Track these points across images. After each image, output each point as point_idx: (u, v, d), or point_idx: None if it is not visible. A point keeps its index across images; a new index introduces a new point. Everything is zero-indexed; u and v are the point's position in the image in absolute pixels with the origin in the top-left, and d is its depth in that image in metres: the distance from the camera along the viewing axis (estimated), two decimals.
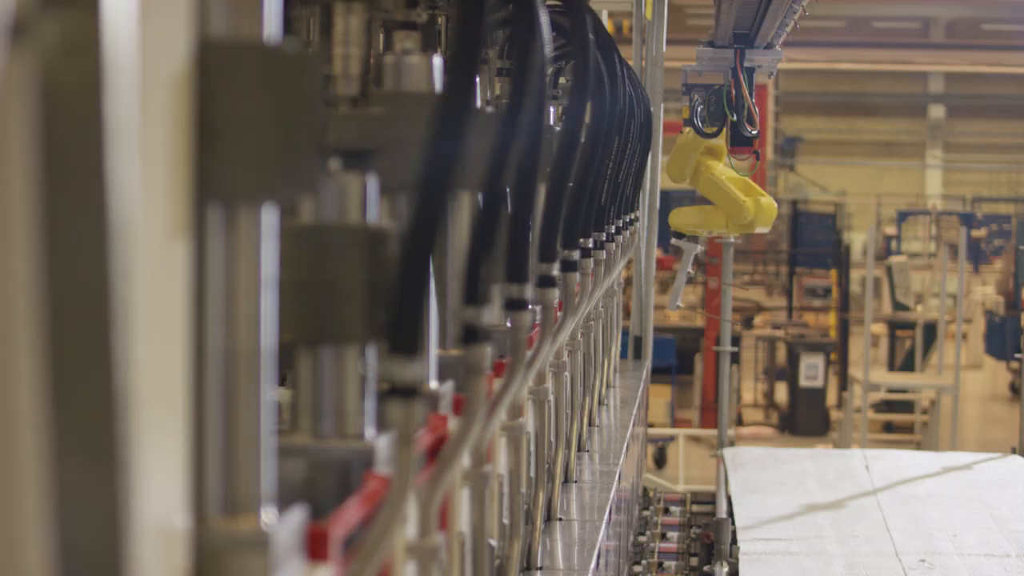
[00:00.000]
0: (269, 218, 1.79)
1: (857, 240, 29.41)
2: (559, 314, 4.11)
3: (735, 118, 9.37)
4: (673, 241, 9.90)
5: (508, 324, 3.06)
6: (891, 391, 18.53)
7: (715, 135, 9.44)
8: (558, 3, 3.85)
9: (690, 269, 10.11)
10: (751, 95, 9.42)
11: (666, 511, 10.23)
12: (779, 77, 28.08)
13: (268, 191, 1.72)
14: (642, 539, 9.18)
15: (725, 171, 9.56)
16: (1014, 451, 11.75)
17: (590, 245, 4.76)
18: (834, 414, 19.38)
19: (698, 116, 9.41)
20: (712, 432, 13.69)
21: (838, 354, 19.99)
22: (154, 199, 1.50)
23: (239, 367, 1.76)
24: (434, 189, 2.06)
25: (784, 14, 8.59)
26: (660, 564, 8.84)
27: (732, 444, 11.02)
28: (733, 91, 9.37)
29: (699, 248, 9.91)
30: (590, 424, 6.43)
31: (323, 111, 1.73)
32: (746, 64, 9.43)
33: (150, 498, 1.45)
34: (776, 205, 9.72)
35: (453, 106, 2.10)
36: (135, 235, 1.38)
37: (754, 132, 9.39)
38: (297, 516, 1.83)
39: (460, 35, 2.13)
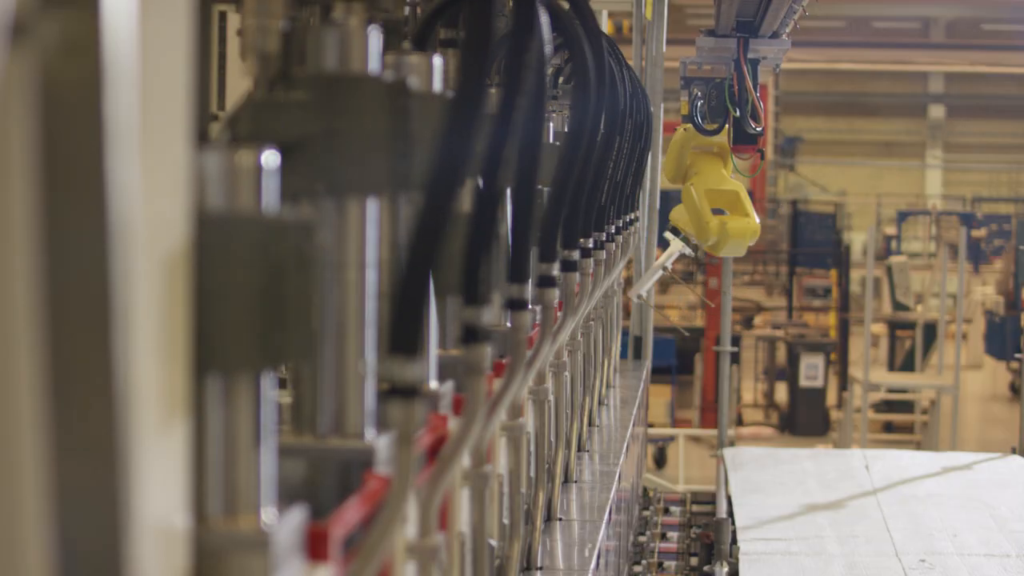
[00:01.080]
0: None
1: (857, 240, 29.40)
2: (559, 314, 4.11)
3: (738, 114, 8.74)
4: (666, 234, 9.41)
5: (508, 324, 3.06)
6: (891, 391, 18.53)
7: (716, 132, 8.84)
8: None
9: (669, 265, 9.57)
10: (755, 89, 8.81)
11: (666, 511, 10.22)
12: (779, 77, 28.10)
13: (262, 361, 1.74)
14: (642, 539, 9.17)
15: (718, 179, 9.07)
16: (1014, 451, 11.74)
17: (590, 245, 4.76)
18: (834, 414, 19.38)
19: (698, 112, 8.78)
20: (712, 432, 13.68)
21: (838, 354, 19.99)
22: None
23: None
24: (440, 191, 2.06)
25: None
26: (660, 564, 8.83)
27: (732, 444, 11.01)
28: (735, 85, 8.75)
29: (687, 251, 9.43)
30: (590, 424, 6.43)
31: (318, 279, 1.75)
32: (750, 55, 8.78)
33: (150, 498, 1.45)
34: (756, 227, 8.93)
35: (464, 110, 2.10)
36: (136, 236, 1.38)
37: (759, 129, 8.77)
38: (297, 516, 1.83)
39: (470, 38, 2.13)
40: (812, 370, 18.92)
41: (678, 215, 9.34)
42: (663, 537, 9.43)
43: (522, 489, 3.91)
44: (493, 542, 3.38)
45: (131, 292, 1.37)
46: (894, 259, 21.45)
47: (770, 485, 9.13)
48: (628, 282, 10.79)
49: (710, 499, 10.39)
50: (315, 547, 1.92)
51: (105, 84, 1.31)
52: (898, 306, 20.14)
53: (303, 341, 1.71)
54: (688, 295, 22.42)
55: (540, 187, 3.68)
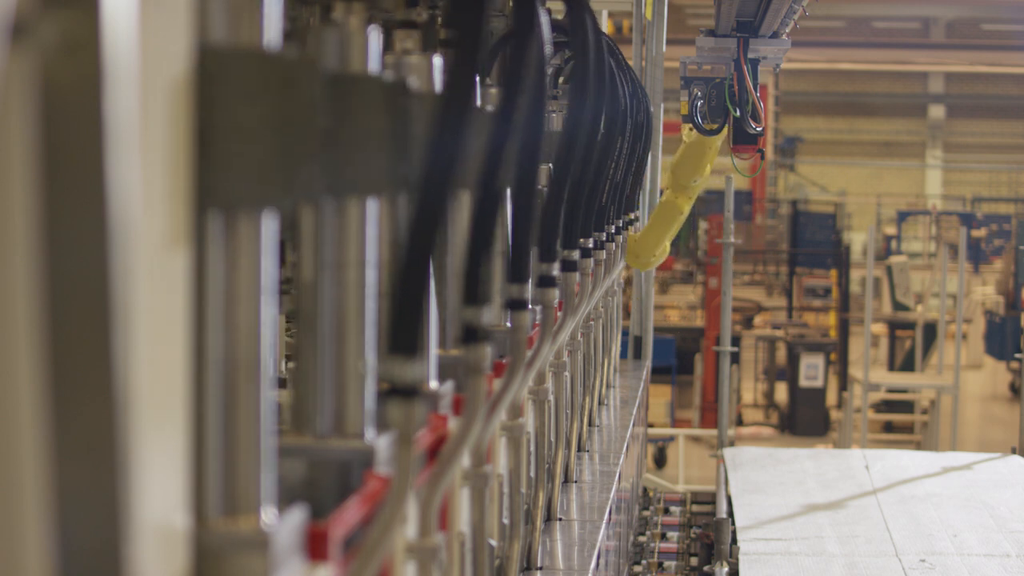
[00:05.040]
0: (269, 224, 1.79)
1: (857, 240, 29.43)
2: (559, 314, 4.11)
3: (738, 114, 8.73)
4: None
5: (508, 324, 3.06)
6: (891, 391, 18.53)
7: (716, 132, 8.84)
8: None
9: None
10: (755, 89, 8.81)
11: (666, 511, 10.21)
12: (779, 77, 28.11)
13: (267, 199, 1.72)
14: (642, 539, 9.17)
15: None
16: (1014, 451, 11.74)
17: (590, 245, 4.76)
18: (834, 414, 19.38)
19: (698, 112, 8.75)
20: (712, 432, 13.69)
21: (838, 354, 19.99)
22: (154, 205, 1.50)
23: (239, 367, 1.76)
24: (435, 189, 2.06)
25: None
26: (660, 564, 8.82)
27: (732, 444, 11.01)
28: (735, 85, 8.75)
29: None
30: (590, 424, 6.43)
31: (322, 117, 1.72)
32: (750, 55, 8.79)
33: (150, 498, 1.45)
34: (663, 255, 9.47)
35: (454, 106, 2.10)
36: (135, 235, 1.38)
37: (759, 128, 8.76)
38: (297, 516, 1.83)
39: (460, 35, 2.13)
40: (812, 370, 18.92)
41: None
42: (663, 537, 9.42)
43: (522, 489, 3.91)
44: (493, 542, 3.38)
45: (130, 289, 1.37)
46: (894, 259, 21.45)
47: (770, 485, 9.13)
48: (628, 282, 10.80)
49: (710, 499, 10.38)
50: (315, 547, 1.92)
51: (105, 84, 1.31)
52: (898, 306, 20.14)
53: (309, 177, 1.70)
54: (688, 295, 22.44)
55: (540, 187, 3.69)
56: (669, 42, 10.49)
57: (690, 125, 8.96)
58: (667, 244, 9.35)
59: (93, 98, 1.31)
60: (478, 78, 2.17)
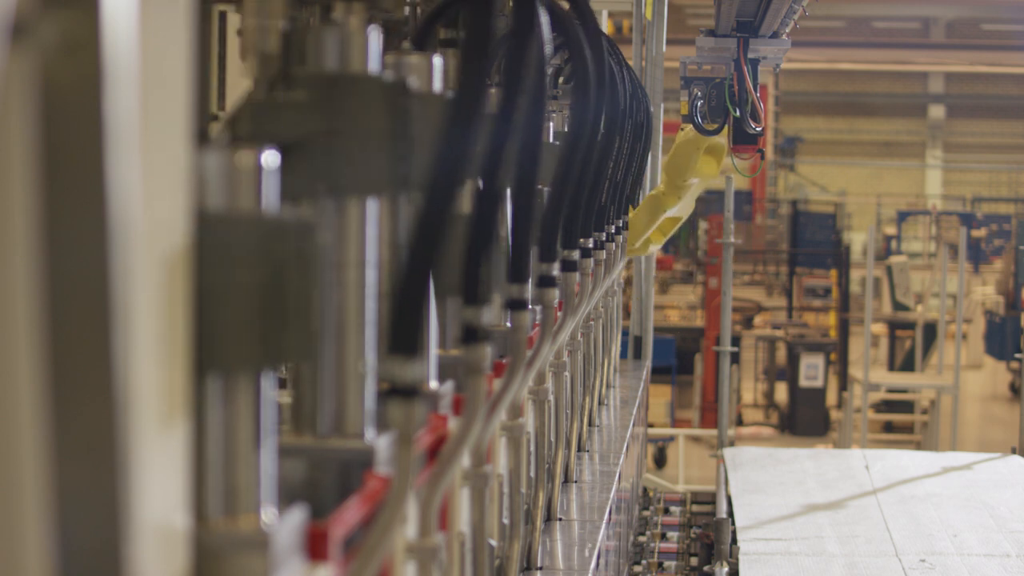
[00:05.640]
0: None
1: (857, 240, 29.44)
2: (559, 314, 4.11)
3: (738, 114, 8.76)
4: None
5: (508, 324, 3.06)
6: (891, 391, 18.53)
7: (716, 132, 8.82)
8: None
9: None
10: (755, 89, 8.84)
11: (666, 511, 10.21)
12: (779, 77, 28.13)
13: (263, 361, 1.74)
14: (642, 539, 9.17)
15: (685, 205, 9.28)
16: (1014, 451, 11.74)
17: (590, 245, 4.76)
18: (834, 414, 19.38)
19: (698, 112, 8.77)
20: (712, 432, 13.69)
21: (838, 354, 19.99)
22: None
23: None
24: (441, 194, 2.06)
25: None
26: (660, 564, 8.82)
27: (732, 444, 11.01)
28: (735, 85, 8.78)
29: None
30: (590, 424, 6.43)
31: (318, 279, 1.75)
32: (750, 55, 8.82)
33: (150, 498, 1.45)
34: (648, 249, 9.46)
35: (463, 113, 2.09)
36: (136, 236, 1.38)
37: (759, 128, 8.80)
38: (297, 516, 1.83)
39: (470, 38, 2.13)
40: (812, 370, 18.92)
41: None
42: (663, 537, 9.42)
43: (522, 489, 3.90)
44: (493, 542, 3.38)
45: (131, 292, 1.37)
46: (894, 259, 21.44)
47: (770, 485, 9.13)
48: (628, 282, 10.80)
49: (710, 499, 10.38)
50: (315, 547, 1.92)
51: (105, 84, 1.31)
52: (898, 306, 20.14)
53: (304, 341, 1.71)
54: (688, 295, 22.44)
55: (540, 187, 3.69)
56: (669, 42, 10.49)
57: (688, 125, 8.95)
58: (650, 237, 9.30)
59: (93, 98, 1.31)
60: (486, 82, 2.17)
